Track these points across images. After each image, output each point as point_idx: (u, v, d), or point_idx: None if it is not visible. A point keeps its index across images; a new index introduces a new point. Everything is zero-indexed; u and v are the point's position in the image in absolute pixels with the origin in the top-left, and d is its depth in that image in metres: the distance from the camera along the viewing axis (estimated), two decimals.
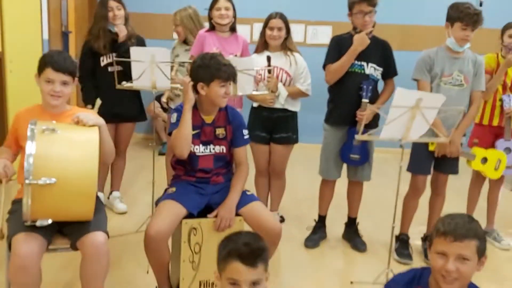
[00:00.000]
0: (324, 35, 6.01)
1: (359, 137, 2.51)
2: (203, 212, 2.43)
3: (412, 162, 3.16)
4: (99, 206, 2.30)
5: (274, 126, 3.37)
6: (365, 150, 3.15)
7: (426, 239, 3.31)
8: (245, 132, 2.56)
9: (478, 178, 3.53)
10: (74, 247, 2.13)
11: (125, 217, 3.69)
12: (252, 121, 3.43)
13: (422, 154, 3.07)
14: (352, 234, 3.44)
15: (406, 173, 3.09)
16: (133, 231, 3.37)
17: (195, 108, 2.45)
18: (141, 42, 3.53)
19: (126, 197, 3.92)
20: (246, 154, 2.62)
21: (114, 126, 3.58)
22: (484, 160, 3.26)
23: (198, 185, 2.48)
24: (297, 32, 6.00)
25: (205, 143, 2.48)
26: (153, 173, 3.23)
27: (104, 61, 3.46)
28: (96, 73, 3.47)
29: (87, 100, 3.48)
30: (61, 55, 2.27)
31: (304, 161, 4.69)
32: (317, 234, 3.43)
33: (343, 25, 3.35)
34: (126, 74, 3.19)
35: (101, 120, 2.16)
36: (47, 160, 1.88)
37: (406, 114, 2.35)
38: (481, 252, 1.59)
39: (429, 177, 3.22)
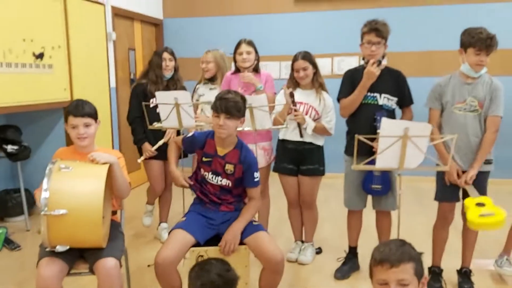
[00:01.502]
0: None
1: (355, 167, 2.56)
2: (212, 241, 2.60)
3: (438, 190, 3.10)
4: (116, 233, 2.58)
5: (301, 158, 3.48)
6: (387, 180, 3.15)
7: (461, 271, 3.18)
8: (256, 174, 2.70)
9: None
10: (91, 271, 2.41)
11: None
12: (280, 154, 3.58)
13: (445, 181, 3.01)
14: None
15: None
16: None
17: (213, 138, 2.69)
18: (183, 88, 3.89)
19: None
20: (259, 192, 2.76)
21: (162, 162, 3.92)
22: (481, 205, 2.88)
23: (208, 215, 2.67)
24: (323, 66, 6.24)
25: (214, 173, 2.69)
26: None
27: (153, 102, 3.79)
28: (144, 114, 3.76)
29: (137, 140, 3.87)
30: (79, 102, 2.61)
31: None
32: (347, 265, 3.43)
33: None
34: None
35: (113, 159, 2.45)
36: (60, 194, 2.18)
37: (397, 144, 2.37)
38: (419, 274, 1.59)
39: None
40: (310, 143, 3.45)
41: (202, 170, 2.72)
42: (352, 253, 3.48)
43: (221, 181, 2.68)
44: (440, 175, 3.04)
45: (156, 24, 6.85)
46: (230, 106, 2.55)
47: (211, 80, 4.05)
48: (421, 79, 5.21)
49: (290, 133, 3.46)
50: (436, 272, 3.19)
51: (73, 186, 2.22)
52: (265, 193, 3.76)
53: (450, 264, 3.28)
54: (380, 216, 3.38)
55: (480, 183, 2.94)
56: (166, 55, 3.85)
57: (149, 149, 3.79)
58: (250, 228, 2.61)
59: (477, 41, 2.81)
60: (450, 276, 3.25)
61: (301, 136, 3.40)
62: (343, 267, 3.43)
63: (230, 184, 2.68)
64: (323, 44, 6.35)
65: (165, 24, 6.97)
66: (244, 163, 2.67)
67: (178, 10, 6.92)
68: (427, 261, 3.06)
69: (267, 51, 6.04)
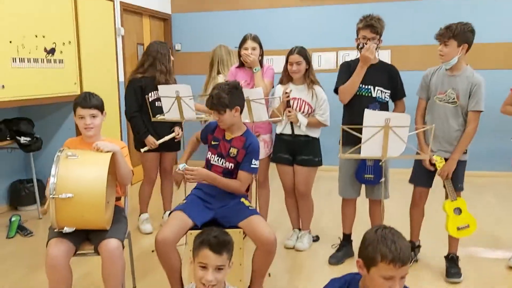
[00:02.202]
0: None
1: (341, 155, 2.70)
2: (209, 224, 2.77)
3: (413, 174, 3.34)
4: (119, 217, 2.77)
5: (297, 149, 3.63)
6: (379, 170, 3.28)
7: (448, 257, 3.33)
8: (255, 162, 2.87)
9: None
10: (96, 251, 2.59)
11: None
12: (277, 145, 3.74)
13: (422, 167, 3.21)
14: None
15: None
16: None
17: None
18: (174, 81, 4.06)
19: None
20: (248, 181, 2.93)
21: (158, 153, 4.11)
22: (459, 211, 3.15)
23: (205, 198, 2.85)
24: (328, 60, 6.35)
25: (219, 155, 2.89)
26: None
27: (152, 96, 3.96)
28: (143, 108, 3.93)
29: (141, 134, 3.99)
30: (87, 95, 2.79)
31: None
32: (341, 251, 3.58)
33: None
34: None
35: (116, 147, 2.63)
36: (67, 180, 2.37)
37: (380, 133, 2.51)
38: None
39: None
40: (306, 136, 3.59)
41: (209, 153, 2.94)
42: (346, 240, 3.63)
43: (224, 163, 2.87)
44: (417, 161, 3.24)
45: (164, 19, 7.02)
46: (215, 103, 2.77)
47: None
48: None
49: (285, 128, 3.62)
50: (411, 246, 3.44)
51: (78, 172, 2.40)
52: (265, 184, 3.92)
53: (440, 252, 3.43)
54: (372, 205, 3.52)
55: (458, 173, 3.12)
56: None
57: (153, 141, 3.95)
58: (245, 212, 2.78)
59: (436, 34, 3.06)
60: (439, 262, 3.40)
61: (293, 132, 3.56)
62: (337, 253, 3.58)
63: (232, 167, 2.87)
64: (328, 38, 6.48)
65: (174, 19, 7.14)
66: (248, 149, 2.86)
67: (186, 5, 7.09)
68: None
69: (273, 45, 6.20)
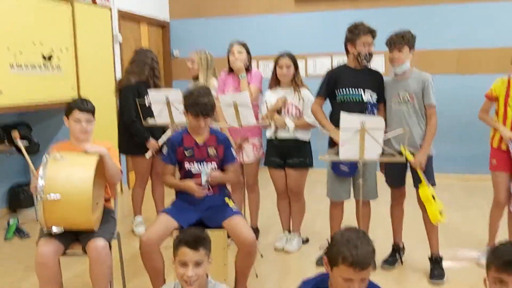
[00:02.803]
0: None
1: (321, 157, 2.79)
2: (196, 226, 2.86)
3: (386, 177, 3.52)
4: (108, 218, 2.86)
5: (287, 153, 3.72)
6: (354, 163, 3.30)
7: (432, 258, 3.40)
8: (232, 150, 3.03)
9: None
10: (85, 251, 2.68)
11: None
12: (268, 149, 3.84)
13: (391, 169, 3.38)
14: None
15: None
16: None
17: (187, 132, 2.96)
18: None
19: None
20: (238, 171, 3.08)
21: (151, 159, 4.20)
22: (433, 197, 3.22)
23: (191, 201, 2.93)
24: (323, 64, 6.44)
25: (199, 161, 2.96)
26: None
27: (148, 100, 3.96)
28: (139, 113, 3.96)
29: (143, 138, 4.07)
30: (83, 100, 2.91)
31: None
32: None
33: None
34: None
35: (104, 150, 2.73)
36: (54, 181, 2.46)
37: (356, 136, 2.60)
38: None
39: None
40: (295, 139, 3.68)
41: (186, 165, 2.97)
42: None
43: (207, 165, 2.94)
44: (387, 164, 3.39)
45: (163, 26, 7.14)
46: (208, 109, 2.86)
47: (196, 79, 4.23)
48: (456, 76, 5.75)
49: (273, 133, 3.73)
50: (394, 249, 3.57)
51: (66, 174, 2.50)
52: (254, 188, 4.01)
53: (425, 253, 3.48)
54: (358, 206, 3.58)
55: (427, 169, 3.25)
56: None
57: (155, 144, 4.05)
58: (228, 212, 2.87)
59: (387, 42, 3.27)
60: (424, 263, 3.46)
61: (275, 138, 3.69)
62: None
63: (215, 167, 2.96)
64: (322, 44, 6.56)
65: (172, 25, 7.26)
66: (222, 142, 2.99)
67: (184, 11, 7.21)
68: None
69: (270, 51, 6.27)
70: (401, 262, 3.56)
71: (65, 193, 2.46)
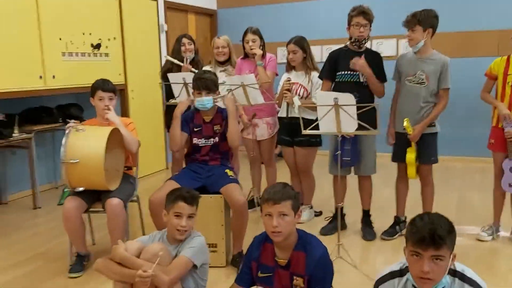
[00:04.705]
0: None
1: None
2: (199, 191, 3.25)
3: (392, 153, 3.65)
4: (126, 182, 3.35)
5: (295, 131, 3.98)
6: (355, 153, 3.61)
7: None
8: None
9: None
10: (104, 208, 3.18)
11: None
12: (280, 128, 4.16)
13: (398, 145, 3.53)
14: (363, 225, 3.85)
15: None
16: None
17: (198, 111, 3.36)
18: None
19: None
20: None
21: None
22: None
23: (196, 170, 3.34)
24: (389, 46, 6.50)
25: (206, 137, 3.38)
26: None
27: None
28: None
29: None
30: (105, 80, 3.39)
31: None
32: (332, 224, 3.91)
33: None
34: None
35: (117, 120, 3.23)
36: (74, 148, 2.97)
37: (331, 112, 2.84)
38: (295, 208, 2.10)
39: None
40: (303, 118, 3.93)
41: (194, 139, 3.40)
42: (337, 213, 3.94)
43: (212, 141, 3.36)
44: (395, 141, 3.60)
45: (210, 15, 7.59)
46: (209, 83, 3.25)
47: (223, 63, 4.43)
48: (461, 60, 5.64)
49: (283, 112, 4.03)
50: (397, 221, 3.74)
51: (83, 142, 3.00)
52: (270, 163, 4.33)
53: None
54: (361, 180, 3.82)
55: (430, 145, 3.42)
56: (184, 40, 4.49)
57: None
58: (226, 180, 3.24)
59: (403, 22, 3.37)
60: None
61: (287, 115, 3.96)
62: (328, 225, 3.92)
63: (217, 140, 3.36)
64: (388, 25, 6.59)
65: (219, 14, 7.68)
66: (226, 117, 3.36)
67: (231, 0, 7.59)
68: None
69: (316, 36, 6.53)
70: (401, 234, 3.74)
71: (82, 158, 2.96)
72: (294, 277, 2.13)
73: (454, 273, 1.76)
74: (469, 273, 1.76)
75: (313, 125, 3.04)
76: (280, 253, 2.17)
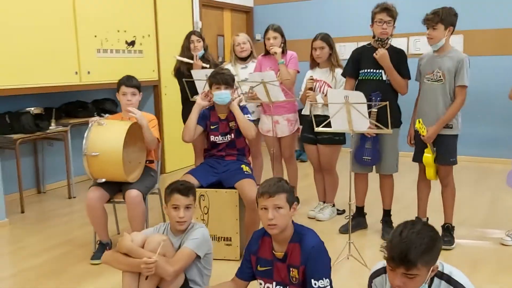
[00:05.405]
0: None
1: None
2: (214, 186, 3.34)
3: (414, 153, 3.59)
4: (147, 175, 3.47)
5: None
6: (376, 153, 3.58)
7: (444, 226, 3.56)
8: (249, 116, 3.48)
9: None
10: (124, 199, 3.32)
11: None
12: (303, 125, 4.17)
13: (418, 146, 3.48)
14: (383, 225, 3.81)
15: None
16: None
17: (214, 109, 3.43)
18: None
19: None
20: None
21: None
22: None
23: (213, 165, 3.43)
24: (399, 45, 6.37)
25: (223, 135, 3.46)
26: None
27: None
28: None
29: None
30: (129, 77, 3.52)
31: None
32: (352, 222, 3.89)
33: None
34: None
35: (139, 115, 3.33)
36: (95, 141, 3.12)
37: (342, 109, 2.83)
38: (290, 201, 2.13)
39: None
40: (324, 116, 3.93)
41: (212, 136, 3.48)
42: (358, 212, 3.92)
43: (228, 137, 3.45)
44: (416, 141, 3.53)
45: (246, 12, 7.66)
46: (228, 78, 3.35)
47: (244, 59, 4.46)
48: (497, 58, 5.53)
49: (306, 109, 4.05)
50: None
51: (103, 136, 3.14)
52: (290, 160, 4.36)
53: (439, 223, 3.58)
54: (382, 179, 3.78)
55: (449, 146, 3.35)
56: (193, 37, 4.49)
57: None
58: (241, 175, 3.30)
59: (423, 21, 3.30)
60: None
61: (310, 113, 3.92)
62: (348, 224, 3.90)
63: (233, 136, 3.45)
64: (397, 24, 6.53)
65: (255, 11, 7.74)
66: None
67: None
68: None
69: (349, 32, 6.61)
70: None
71: (101, 151, 3.10)
72: (291, 269, 2.18)
73: (441, 275, 1.74)
74: (457, 275, 1.74)
75: (325, 122, 3.05)
76: (277, 247, 2.22)
